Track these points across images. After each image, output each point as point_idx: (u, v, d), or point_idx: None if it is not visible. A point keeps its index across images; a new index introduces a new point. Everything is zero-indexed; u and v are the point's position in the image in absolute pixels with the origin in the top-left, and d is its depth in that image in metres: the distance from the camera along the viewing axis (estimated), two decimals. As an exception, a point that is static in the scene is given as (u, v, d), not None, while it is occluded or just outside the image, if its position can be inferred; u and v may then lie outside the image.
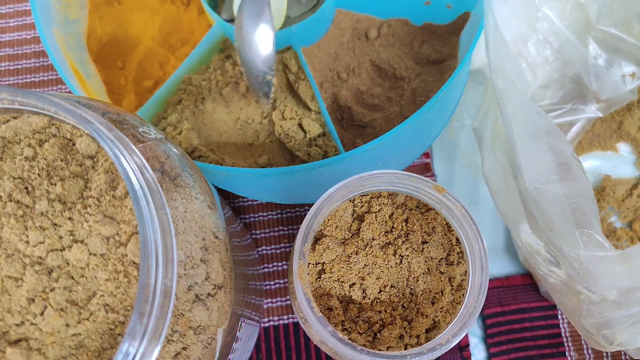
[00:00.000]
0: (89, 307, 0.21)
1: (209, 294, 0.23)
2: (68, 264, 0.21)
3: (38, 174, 0.21)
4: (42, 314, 0.20)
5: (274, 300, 0.43)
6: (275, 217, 0.44)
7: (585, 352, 0.42)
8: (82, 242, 0.21)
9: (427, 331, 0.29)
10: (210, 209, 0.25)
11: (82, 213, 0.21)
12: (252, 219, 0.45)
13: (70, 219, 0.21)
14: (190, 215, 0.23)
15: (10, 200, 0.21)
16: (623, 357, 0.41)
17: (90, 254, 0.21)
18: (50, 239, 0.21)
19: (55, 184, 0.21)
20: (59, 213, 0.21)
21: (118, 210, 0.21)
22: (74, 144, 0.22)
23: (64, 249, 0.21)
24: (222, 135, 0.39)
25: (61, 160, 0.22)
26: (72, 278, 0.21)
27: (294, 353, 0.42)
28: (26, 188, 0.21)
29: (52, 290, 0.21)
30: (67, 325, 0.20)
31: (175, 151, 0.25)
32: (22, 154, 0.22)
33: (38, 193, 0.21)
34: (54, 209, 0.21)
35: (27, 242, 0.21)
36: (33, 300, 0.21)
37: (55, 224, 0.21)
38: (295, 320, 0.42)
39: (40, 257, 0.21)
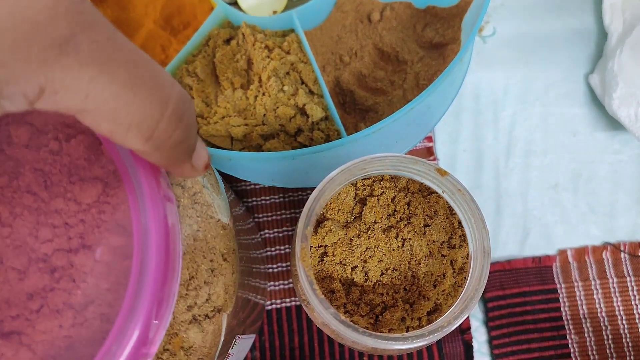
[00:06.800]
0: (85, 313, 0.20)
1: (206, 316, 0.23)
2: (72, 266, 0.20)
3: (59, 170, 0.21)
4: (38, 311, 0.20)
5: (277, 283, 0.43)
6: (277, 200, 0.45)
7: (585, 335, 0.42)
8: (89, 247, 0.21)
9: (428, 314, 0.29)
10: (224, 230, 0.24)
11: (96, 218, 0.21)
12: (254, 203, 0.45)
13: (82, 221, 0.21)
14: (202, 234, 0.23)
15: (28, 192, 0.21)
16: (624, 342, 0.42)
17: (95, 261, 0.20)
18: (59, 238, 0.21)
19: (74, 183, 0.21)
20: (72, 214, 0.21)
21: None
22: (101, 144, 0.22)
23: (70, 251, 0.21)
24: (225, 119, 0.39)
25: (85, 160, 0.21)
26: (74, 281, 0.20)
27: (297, 335, 0.42)
28: (45, 182, 0.21)
29: (52, 290, 0.20)
30: (61, 326, 0.20)
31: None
32: (47, 146, 0.21)
33: (56, 190, 0.21)
34: (69, 209, 0.21)
35: (37, 237, 0.21)
36: (32, 296, 0.20)
37: (67, 224, 0.21)
38: (297, 303, 0.43)
39: (46, 255, 0.20)
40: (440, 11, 0.43)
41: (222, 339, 0.24)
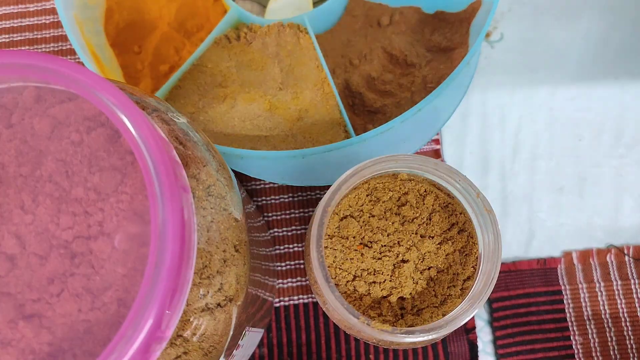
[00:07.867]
0: (103, 298, 0.21)
1: (218, 304, 0.24)
2: (91, 252, 0.21)
3: (80, 161, 0.22)
4: (58, 295, 0.21)
5: (285, 281, 0.44)
6: (287, 200, 0.45)
7: (589, 336, 0.42)
8: (108, 235, 0.21)
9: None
10: (236, 222, 0.25)
11: (114, 207, 0.21)
12: (264, 202, 0.45)
13: (102, 210, 0.21)
14: (215, 226, 0.24)
15: (50, 181, 0.22)
16: (627, 343, 0.42)
17: (113, 248, 0.21)
18: (79, 226, 0.21)
19: (94, 173, 0.22)
20: (92, 202, 0.21)
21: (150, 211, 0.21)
22: (120, 136, 0.22)
23: (90, 238, 0.21)
24: (236, 126, 0.40)
25: (104, 151, 0.22)
26: (93, 267, 0.21)
27: (304, 332, 0.43)
28: (66, 172, 0.22)
29: (72, 275, 0.21)
30: (80, 310, 0.21)
31: (212, 158, 0.25)
32: (69, 138, 0.22)
33: (77, 179, 0.22)
34: (89, 198, 0.21)
35: (58, 224, 0.21)
36: (53, 281, 0.21)
37: (86, 212, 0.21)
38: (305, 300, 0.43)
39: (67, 241, 0.21)
40: (448, 16, 0.44)
41: (232, 328, 0.25)
